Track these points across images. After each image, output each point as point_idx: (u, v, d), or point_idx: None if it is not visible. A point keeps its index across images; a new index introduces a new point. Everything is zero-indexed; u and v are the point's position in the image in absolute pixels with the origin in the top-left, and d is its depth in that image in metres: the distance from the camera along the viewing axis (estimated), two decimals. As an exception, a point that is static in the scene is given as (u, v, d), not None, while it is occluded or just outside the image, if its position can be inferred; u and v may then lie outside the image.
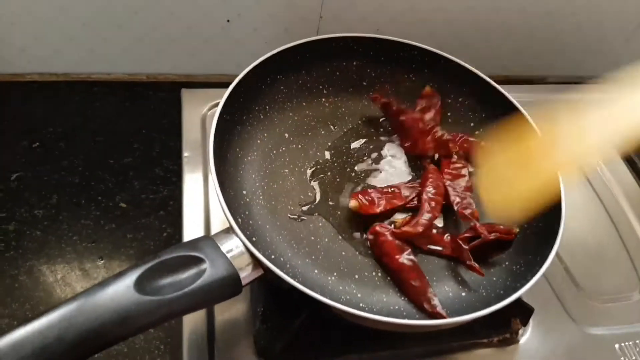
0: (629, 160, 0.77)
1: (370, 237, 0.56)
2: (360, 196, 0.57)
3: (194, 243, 0.44)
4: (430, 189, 0.59)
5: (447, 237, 0.57)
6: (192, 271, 0.41)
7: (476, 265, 0.54)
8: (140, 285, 0.38)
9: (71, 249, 0.61)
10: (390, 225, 0.58)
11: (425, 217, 0.57)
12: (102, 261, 0.61)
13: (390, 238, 0.55)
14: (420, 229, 0.56)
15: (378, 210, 0.57)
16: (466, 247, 0.55)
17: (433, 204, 0.58)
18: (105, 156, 0.70)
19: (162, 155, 0.70)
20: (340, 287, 0.53)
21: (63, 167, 0.67)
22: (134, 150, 0.71)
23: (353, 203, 0.57)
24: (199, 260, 0.42)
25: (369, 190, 0.59)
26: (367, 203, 0.57)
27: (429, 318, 0.51)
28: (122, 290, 0.38)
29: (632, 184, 0.75)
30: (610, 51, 0.89)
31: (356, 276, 0.54)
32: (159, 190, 0.67)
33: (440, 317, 0.50)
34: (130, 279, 0.38)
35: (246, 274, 0.45)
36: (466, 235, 0.56)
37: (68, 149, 0.69)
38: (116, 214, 0.65)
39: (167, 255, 0.41)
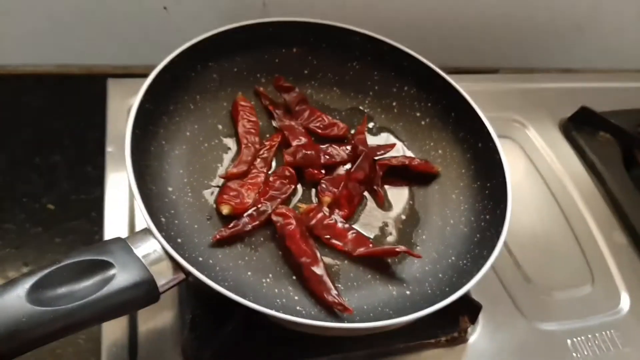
0: (576, 147, 0.75)
1: (276, 219, 0.52)
2: (225, 197, 0.53)
3: (103, 246, 0.39)
4: (244, 123, 0.59)
5: (352, 233, 0.54)
6: (97, 278, 0.37)
7: (381, 192, 0.57)
8: (34, 294, 0.34)
9: (-8, 256, 0.57)
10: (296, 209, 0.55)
11: (245, 154, 0.56)
12: (27, 268, 0.56)
13: (294, 222, 0.52)
14: (243, 167, 0.55)
15: (250, 201, 0.53)
16: (381, 173, 0.58)
17: (251, 137, 0.58)
18: (31, 154, 0.65)
19: (95, 152, 0.65)
20: (276, 290, 0.49)
21: (-15, 167, 0.63)
22: (64, 148, 0.66)
23: (226, 209, 0.52)
24: (106, 265, 0.38)
25: (228, 186, 0.54)
26: (238, 200, 0.53)
27: (330, 311, 0.48)
28: (11, 300, 0.33)
29: (581, 173, 0.73)
30: (563, 41, 0.88)
31: (293, 277, 0.50)
32: (90, 190, 0.63)
33: (342, 308, 0.47)
34: (22, 288, 0.34)
35: (164, 280, 0.41)
36: (386, 163, 0.59)
37: (-9, 148, 0.65)
38: (42, 217, 0.60)
39: (69, 260, 0.37)
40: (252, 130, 0.59)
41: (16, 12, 0.66)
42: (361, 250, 0.52)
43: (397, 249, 0.52)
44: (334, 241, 0.53)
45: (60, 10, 0.66)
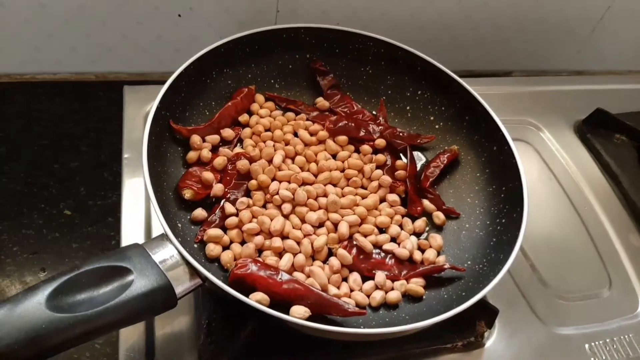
0: (591, 150, 0.75)
1: (238, 273, 0.46)
2: (188, 182, 0.52)
3: (121, 252, 0.40)
4: None
5: (389, 259, 0.54)
6: (115, 284, 0.37)
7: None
8: (53, 301, 0.35)
9: (11, 261, 0.57)
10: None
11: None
12: (44, 274, 0.57)
13: (255, 268, 0.46)
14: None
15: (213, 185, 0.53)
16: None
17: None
18: (49, 161, 0.65)
19: (111, 158, 0.66)
20: (291, 295, 0.49)
21: (4, 173, 0.63)
22: (81, 154, 0.67)
23: (188, 194, 0.52)
24: (124, 271, 0.38)
25: (190, 172, 0.54)
26: (200, 185, 0.53)
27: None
28: (32, 307, 0.34)
29: (597, 176, 0.72)
30: (575, 43, 0.88)
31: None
32: (107, 195, 0.63)
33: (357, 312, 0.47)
34: (42, 295, 0.35)
35: (182, 285, 0.41)
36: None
37: (10, 154, 0.65)
38: (60, 222, 0.60)
39: (87, 266, 0.37)
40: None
41: (34, 21, 0.66)
42: (410, 273, 0.53)
43: (445, 266, 0.52)
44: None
45: (76, 18, 0.67)
